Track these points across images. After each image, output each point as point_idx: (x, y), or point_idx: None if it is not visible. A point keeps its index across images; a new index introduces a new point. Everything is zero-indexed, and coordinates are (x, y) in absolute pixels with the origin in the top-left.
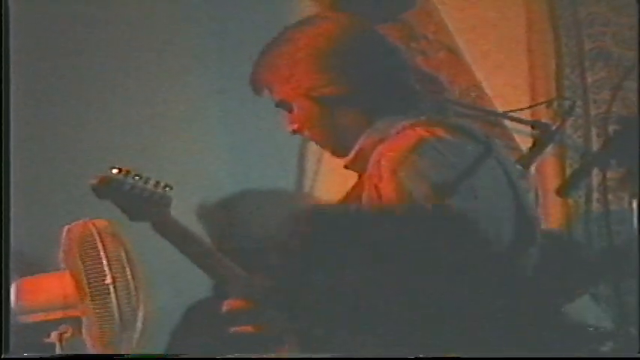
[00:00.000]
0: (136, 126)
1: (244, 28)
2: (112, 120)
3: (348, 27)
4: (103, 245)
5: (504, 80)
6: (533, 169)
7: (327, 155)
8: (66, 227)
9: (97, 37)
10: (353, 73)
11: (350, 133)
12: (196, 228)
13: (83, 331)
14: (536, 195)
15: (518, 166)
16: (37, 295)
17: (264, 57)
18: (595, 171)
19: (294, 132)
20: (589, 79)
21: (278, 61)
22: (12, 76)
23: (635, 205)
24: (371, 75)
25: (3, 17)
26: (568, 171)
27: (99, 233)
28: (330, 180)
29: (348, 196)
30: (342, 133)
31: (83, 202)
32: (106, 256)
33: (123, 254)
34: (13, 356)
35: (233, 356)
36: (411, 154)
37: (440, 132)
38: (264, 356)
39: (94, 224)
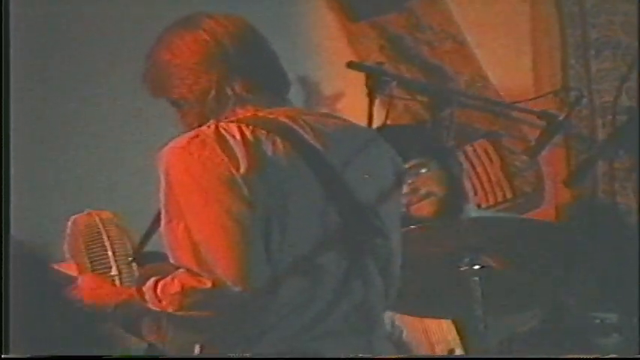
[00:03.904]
0: (138, 121)
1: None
2: (113, 115)
3: (223, 33)
4: (108, 236)
5: (510, 70)
6: (540, 159)
7: None
8: (71, 218)
9: (97, 36)
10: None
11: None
12: None
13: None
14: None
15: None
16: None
17: (149, 61)
18: (601, 161)
19: None
20: (593, 69)
21: (155, 68)
22: (12, 75)
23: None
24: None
25: (3, 17)
26: (574, 161)
27: (104, 224)
28: None
29: None
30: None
31: (87, 193)
32: (112, 248)
33: (128, 245)
34: (13, 356)
35: (233, 356)
36: (181, 149)
37: (243, 128)
38: (267, 357)
39: (98, 215)
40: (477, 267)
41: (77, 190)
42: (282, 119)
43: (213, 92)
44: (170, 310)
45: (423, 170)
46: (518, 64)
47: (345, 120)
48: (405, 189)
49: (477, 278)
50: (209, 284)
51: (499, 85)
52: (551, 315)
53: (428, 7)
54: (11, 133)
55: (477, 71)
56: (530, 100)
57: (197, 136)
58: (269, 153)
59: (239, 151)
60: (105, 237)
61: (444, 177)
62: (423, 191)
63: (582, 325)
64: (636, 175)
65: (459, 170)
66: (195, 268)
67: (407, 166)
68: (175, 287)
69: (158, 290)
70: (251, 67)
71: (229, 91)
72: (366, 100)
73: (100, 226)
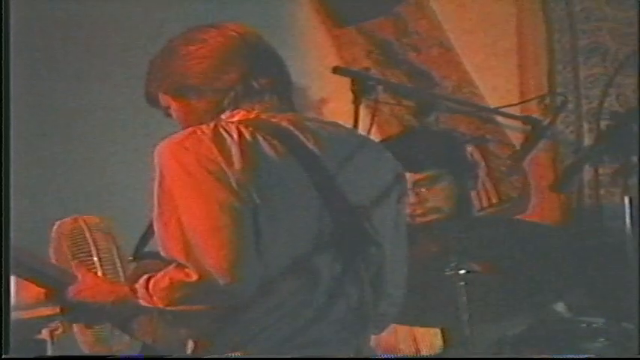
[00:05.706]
0: (134, 125)
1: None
2: (111, 116)
3: (243, 34)
4: (94, 241)
5: (496, 76)
6: (525, 164)
7: None
8: (56, 222)
9: (96, 36)
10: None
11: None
12: None
13: (74, 327)
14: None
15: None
16: (27, 291)
17: (161, 62)
18: (587, 167)
19: None
20: (582, 75)
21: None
22: (12, 76)
23: (626, 201)
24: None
25: (3, 17)
26: (560, 166)
27: (89, 229)
28: None
29: None
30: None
31: (76, 199)
32: (97, 252)
33: (114, 250)
34: (13, 356)
35: (233, 356)
36: (175, 144)
37: (242, 129)
38: (264, 356)
39: (84, 220)
40: (462, 272)
41: (70, 195)
42: (284, 124)
43: (240, 83)
44: (160, 305)
45: (435, 182)
46: (504, 69)
47: (348, 128)
48: (412, 198)
49: (462, 283)
50: (195, 277)
51: (485, 90)
52: (538, 319)
53: (415, 13)
54: (11, 134)
55: (463, 76)
56: (515, 105)
57: (194, 132)
58: (265, 155)
59: (235, 151)
60: (90, 242)
61: (455, 193)
62: (429, 204)
63: (569, 329)
64: (623, 180)
65: (472, 184)
66: (184, 261)
67: (421, 176)
68: (165, 282)
69: (150, 287)
70: (269, 68)
71: (256, 85)
72: (352, 105)
73: (86, 231)
